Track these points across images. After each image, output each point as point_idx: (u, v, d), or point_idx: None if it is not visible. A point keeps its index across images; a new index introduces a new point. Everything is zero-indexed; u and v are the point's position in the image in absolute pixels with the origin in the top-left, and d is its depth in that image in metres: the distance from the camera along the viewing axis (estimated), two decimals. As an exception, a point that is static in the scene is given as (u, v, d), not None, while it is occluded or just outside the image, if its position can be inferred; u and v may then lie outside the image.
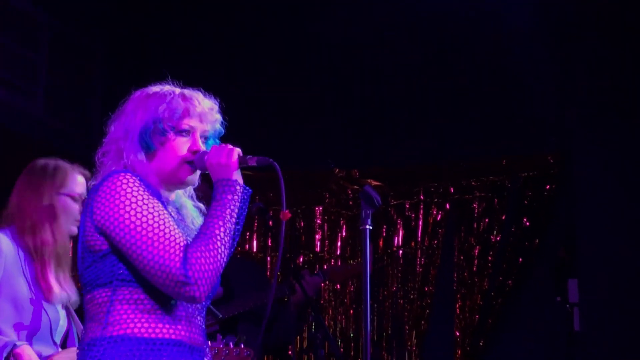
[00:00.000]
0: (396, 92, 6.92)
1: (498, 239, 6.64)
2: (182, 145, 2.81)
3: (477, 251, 6.69)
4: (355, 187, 6.98)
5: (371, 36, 6.89)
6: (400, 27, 6.84)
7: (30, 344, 3.59)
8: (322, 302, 6.98)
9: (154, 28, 7.07)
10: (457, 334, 6.64)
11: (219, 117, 2.90)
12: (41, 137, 6.47)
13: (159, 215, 2.64)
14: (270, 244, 7.11)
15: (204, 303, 2.77)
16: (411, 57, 6.87)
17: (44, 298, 3.67)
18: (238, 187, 2.74)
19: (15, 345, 3.48)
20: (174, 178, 2.82)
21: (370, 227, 3.13)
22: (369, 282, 3.23)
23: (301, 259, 7.07)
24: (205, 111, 2.85)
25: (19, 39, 6.30)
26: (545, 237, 6.58)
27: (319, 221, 7.09)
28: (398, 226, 6.92)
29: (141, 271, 2.62)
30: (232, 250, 2.70)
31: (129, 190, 2.65)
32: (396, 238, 6.92)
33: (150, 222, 2.61)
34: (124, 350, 2.63)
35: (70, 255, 3.86)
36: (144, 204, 2.64)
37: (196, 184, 2.90)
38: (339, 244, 7.08)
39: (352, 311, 6.96)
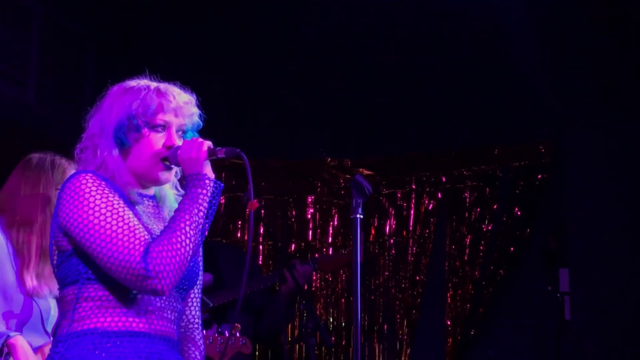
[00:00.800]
0: (388, 81, 6.91)
1: (489, 228, 6.65)
2: (157, 141, 2.80)
3: (468, 240, 6.70)
4: (347, 176, 6.97)
5: (364, 25, 6.88)
6: (393, 16, 6.82)
7: (21, 334, 3.58)
8: (313, 291, 6.98)
9: (145, 16, 7.03)
10: (449, 323, 6.65)
11: (196, 110, 2.88)
12: (32, 125, 6.45)
13: (118, 212, 2.63)
14: (261, 232, 7.11)
15: (172, 296, 2.76)
16: (404, 46, 6.86)
17: (33, 288, 3.66)
18: (207, 181, 2.72)
19: (8, 336, 3.47)
20: (148, 176, 2.82)
21: (361, 216, 3.13)
22: (360, 272, 3.23)
23: (293, 248, 7.07)
24: (180, 105, 2.83)
25: (9, 26, 6.26)
26: (537, 226, 6.60)
27: (310, 210, 7.08)
28: (390, 215, 6.93)
29: (103, 268, 2.61)
30: (200, 243, 2.68)
31: (87, 190, 2.64)
32: (388, 227, 6.93)
33: (109, 219, 2.61)
34: (86, 344, 2.64)
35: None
36: (102, 202, 2.63)
37: (170, 182, 2.89)
38: (331, 233, 7.08)
39: (343, 300, 6.97)
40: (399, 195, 6.96)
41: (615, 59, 6.32)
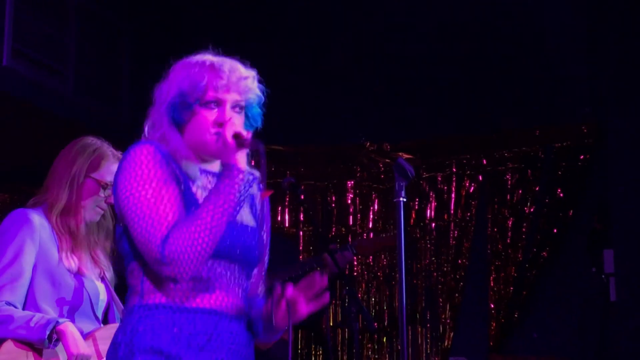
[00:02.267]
0: (427, 64, 6.87)
1: (532, 210, 6.60)
2: (210, 118, 2.75)
3: (510, 223, 6.65)
4: (387, 160, 6.94)
5: (399, 9, 6.84)
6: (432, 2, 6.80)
7: (73, 320, 3.60)
8: (355, 275, 6.97)
9: (182, 4, 7.04)
10: (492, 306, 6.61)
11: (254, 86, 2.81)
12: (71, 116, 6.49)
13: (160, 190, 2.62)
14: (302, 219, 7.11)
15: (238, 272, 2.74)
16: (442, 28, 6.82)
17: (79, 272, 3.68)
18: (236, 172, 2.67)
19: (57, 322, 3.48)
20: (205, 150, 2.77)
21: (404, 199, 3.09)
22: (404, 255, 3.20)
23: (333, 233, 7.06)
24: (233, 80, 2.77)
25: (48, 18, 6.30)
26: (580, 207, 6.53)
27: (350, 195, 7.07)
28: (430, 199, 6.89)
29: (132, 241, 2.65)
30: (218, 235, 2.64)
31: (143, 162, 2.64)
32: (429, 211, 6.89)
33: (149, 195, 2.61)
34: (159, 318, 2.64)
35: (104, 233, 3.87)
36: (148, 177, 2.63)
37: None
38: (371, 217, 7.06)
39: (385, 285, 6.95)
40: (440, 179, 6.92)
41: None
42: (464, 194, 6.83)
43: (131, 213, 2.61)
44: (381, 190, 7.03)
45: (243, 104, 2.80)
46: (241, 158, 2.69)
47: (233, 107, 2.77)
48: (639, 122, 6.28)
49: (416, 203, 6.90)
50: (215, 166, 2.84)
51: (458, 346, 6.72)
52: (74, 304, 3.64)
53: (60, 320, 3.50)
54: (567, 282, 6.50)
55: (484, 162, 6.80)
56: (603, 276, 6.29)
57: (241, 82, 2.78)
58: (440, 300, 6.78)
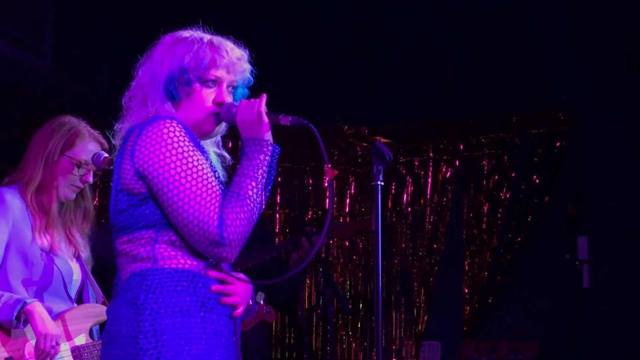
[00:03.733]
0: (404, 48, 6.87)
1: (507, 196, 6.62)
2: (208, 97, 2.78)
3: (486, 208, 6.68)
4: (364, 144, 6.95)
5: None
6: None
7: (42, 300, 3.58)
8: (330, 259, 6.98)
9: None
10: (466, 291, 6.64)
11: (248, 67, 2.87)
12: (48, 93, 6.45)
13: (202, 168, 2.63)
14: (278, 201, 7.11)
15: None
16: (419, 13, 6.81)
17: (51, 251, 3.66)
18: (270, 148, 2.73)
19: (25, 303, 3.47)
20: (199, 130, 2.79)
21: (382, 183, 3.10)
22: (380, 238, 3.21)
23: (309, 216, 7.06)
24: (233, 61, 2.81)
25: (25, -6, 6.25)
26: (555, 194, 6.56)
27: (327, 178, 7.07)
28: (407, 183, 6.91)
29: (176, 223, 2.62)
30: (261, 211, 2.71)
31: (175, 138, 2.63)
32: (405, 195, 6.91)
33: (195, 175, 2.61)
34: (180, 280, 2.65)
35: (79, 211, 3.85)
36: (188, 155, 2.62)
37: (220, 135, 2.89)
38: (348, 201, 7.07)
39: (360, 268, 6.97)
40: (416, 164, 6.93)
41: (636, 23, 6.25)
42: (440, 179, 6.85)
43: (178, 193, 2.59)
44: (358, 174, 7.04)
45: (236, 84, 2.83)
46: (269, 133, 2.74)
47: (227, 87, 2.80)
48: (614, 110, 6.32)
49: (392, 187, 6.91)
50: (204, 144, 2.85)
51: (432, 330, 6.76)
52: (44, 283, 3.62)
53: (28, 300, 3.48)
54: (541, 268, 6.53)
55: (461, 147, 6.82)
56: (577, 262, 6.34)
57: (238, 63, 2.83)
58: (415, 284, 6.80)
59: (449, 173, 6.84)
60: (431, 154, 6.91)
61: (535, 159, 6.59)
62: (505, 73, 6.67)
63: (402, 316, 6.83)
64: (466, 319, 6.61)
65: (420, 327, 6.76)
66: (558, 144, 6.55)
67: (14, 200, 3.65)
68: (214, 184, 2.63)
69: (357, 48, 6.97)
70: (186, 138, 2.64)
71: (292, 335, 7.01)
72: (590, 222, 6.34)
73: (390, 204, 6.89)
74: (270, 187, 2.74)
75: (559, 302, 6.39)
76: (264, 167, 2.70)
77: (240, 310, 2.77)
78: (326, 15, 6.92)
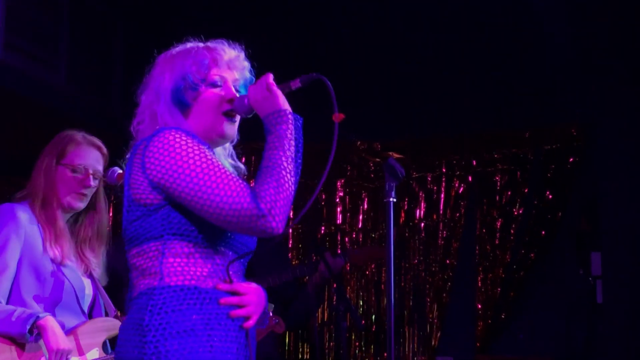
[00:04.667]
0: (418, 63, 6.88)
1: (520, 211, 6.62)
2: (215, 97, 2.78)
3: (499, 224, 6.67)
4: (377, 159, 6.92)
5: (393, 8, 6.84)
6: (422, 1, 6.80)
7: (54, 314, 3.59)
8: (343, 274, 6.97)
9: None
10: (479, 306, 6.63)
11: (247, 64, 2.87)
12: (63, 108, 6.47)
13: (215, 160, 2.62)
14: (291, 216, 7.09)
15: (275, 234, 2.65)
16: (433, 28, 6.82)
17: (61, 263, 3.66)
18: (290, 116, 2.71)
19: (38, 317, 3.47)
20: (213, 132, 2.78)
21: (394, 200, 3.10)
22: (392, 255, 3.21)
23: (322, 231, 7.06)
24: (232, 58, 2.82)
25: (39, 8, 6.28)
26: (568, 209, 6.55)
27: (340, 194, 7.07)
28: (420, 199, 6.90)
29: (210, 216, 2.57)
30: (297, 181, 2.67)
31: (182, 142, 2.61)
32: (418, 211, 6.91)
33: (211, 166, 2.58)
34: (185, 298, 2.61)
35: (92, 227, 3.85)
36: (199, 153, 2.60)
37: (235, 139, 2.87)
38: (361, 217, 7.06)
39: (373, 283, 6.96)
40: (429, 179, 6.93)
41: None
42: (453, 194, 6.85)
43: (200, 188, 2.56)
44: (371, 189, 7.04)
45: (238, 83, 2.84)
46: (286, 103, 2.72)
47: (232, 86, 2.81)
48: (627, 125, 6.31)
49: (405, 203, 6.90)
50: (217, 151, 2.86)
51: (445, 346, 6.74)
52: (57, 298, 3.63)
53: (41, 314, 3.49)
54: (554, 283, 6.51)
55: (474, 163, 6.82)
56: (590, 278, 6.32)
57: (238, 60, 2.84)
58: (428, 300, 6.79)
59: (461, 188, 6.84)
60: (444, 170, 6.91)
61: (548, 175, 6.59)
62: (518, 89, 6.67)
63: (415, 332, 6.82)
64: (479, 334, 6.59)
65: (433, 343, 6.74)
66: (571, 159, 6.55)
67: (24, 215, 3.66)
68: (228, 171, 2.61)
69: (370, 63, 6.98)
70: (193, 141, 2.63)
71: (306, 350, 7.00)
72: (603, 238, 6.33)
73: (402, 220, 6.88)
74: (300, 157, 2.70)
75: (572, 318, 6.38)
76: (290, 136, 2.67)
77: (252, 321, 2.72)
78: (338, 30, 6.94)
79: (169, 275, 2.62)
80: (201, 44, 2.84)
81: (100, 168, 3.79)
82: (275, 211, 2.55)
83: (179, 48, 2.86)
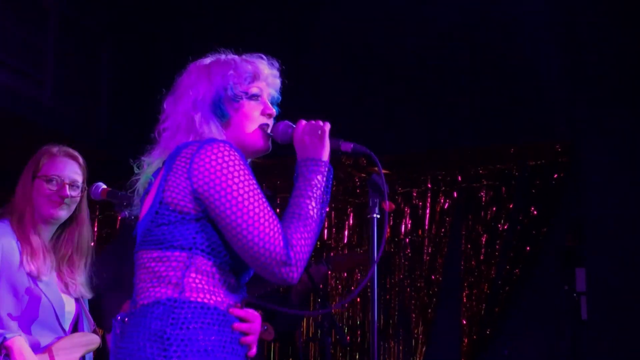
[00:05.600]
0: (404, 79, 6.90)
1: (505, 227, 6.63)
2: (255, 110, 2.76)
3: (484, 239, 6.68)
4: (363, 174, 6.96)
5: (380, 23, 6.87)
6: (408, 15, 6.82)
7: (29, 332, 3.53)
8: (329, 290, 6.97)
9: (162, 13, 7.04)
10: (464, 322, 6.63)
11: (279, 81, 2.87)
12: (49, 123, 6.47)
13: (260, 191, 2.59)
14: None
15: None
16: (419, 45, 6.85)
17: (38, 277, 3.62)
18: (328, 169, 2.72)
19: (5, 338, 3.42)
20: (251, 145, 2.76)
21: (378, 216, 3.10)
22: (377, 271, 3.21)
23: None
24: (270, 74, 2.83)
25: (26, 24, 6.28)
26: (553, 225, 6.57)
27: (326, 209, 7.06)
28: (405, 214, 6.91)
29: (240, 246, 2.55)
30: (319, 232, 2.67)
31: (234, 161, 2.57)
32: (403, 226, 6.91)
33: (256, 197, 2.55)
34: (206, 317, 2.57)
35: (72, 242, 3.82)
36: (247, 178, 2.57)
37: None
38: (346, 232, 7.07)
39: (359, 299, 6.96)
40: (415, 194, 6.95)
41: (632, 57, 6.29)
42: (438, 209, 6.86)
43: (242, 215, 2.53)
44: (356, 204, 7.05)
45: (271, 98, 2.83)
46: (327, 154, 2.74)
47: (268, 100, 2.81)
48: (612, 142, 6.34)
49: (391, 218, 6.91)
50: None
51: (430, 361, 6.75)
52: (33, 315, 3.56)
53: (8, 335, 3.41)
54: (539, 299, 6.53)
55: (459, 178, 6.84)
56: (575, 294, 6.33)
57: (275, 76, 2.84)
58: (413, 315, 6.79)
59: (447, 204, 6.86)
60: (429, 185, 6.92)
61: (533, 191, 6.61)
62: (504, 105, 6.69)
63: (400, 347, 6.82)
64: (464, 350, 6.60)
65: (418, 358, 6.74)
66: (556, 175, 6.57)
67: (4, 232, 3.63)
68: (270, 207, 2.59)
69: (356, 78, 7.00)
70: (242, 162, 2.60)
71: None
72: (588, 254, 6.35)
73: (388, 235, 6.89)
74: (326, 208, 2.70)
75: (557, 334, 6.39)
76: (323, 188, 2.68)
77: (254, 350, 2.71)
78: (324, 44, 6.96)
79: (190, 290, 2.57)
80: (237, 57, 2.82)
81: (78, 178, 3.75)
82: (300, 263, 2.55)
83: (214, 58, 2.83)
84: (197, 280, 2.58)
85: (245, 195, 2.54)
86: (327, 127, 2.76)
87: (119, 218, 6.90)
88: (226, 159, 2.56)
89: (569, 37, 6.48)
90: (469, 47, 6.75)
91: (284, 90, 2.87)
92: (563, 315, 6.38)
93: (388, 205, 2.82)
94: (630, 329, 6.10)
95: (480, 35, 6.71)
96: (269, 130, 2.77)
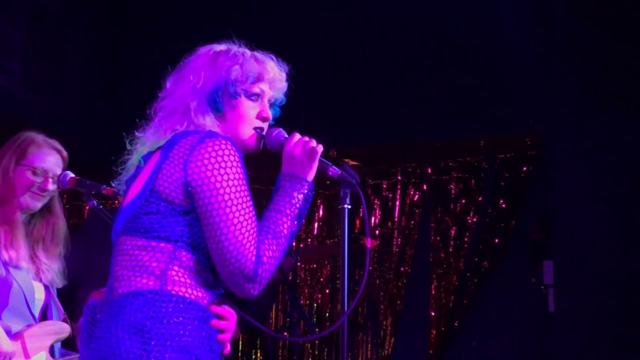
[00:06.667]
0: (375, 71, 6.91)
1: (474, 220, 6.66)
2: (251, 110, 2.75)
3: (453, 232, 6.71)
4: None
5: (348, 15, 6.86)
6: (378, 8, 6.82)
7: (0, 319, 3.53)
8: (298, 281, 6.98)
9: (132, 1, 7.00)
10: (433, 314, 6.66)
11: (285, 85, 2.85)
12: (18, 111, 6.42)
13: (249, 199, 2.57)
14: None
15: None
16: (390, 37, 6.86)
17: (16, 266, 3.60)
18: (308, 187, 2.72)
19: None
20: (241, 144, 2.72)
21: (349, 207, 3.10)
22: (347, 262, 3.21)
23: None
24: (277, 77, 2.80)
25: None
26: (522, 218, 6.61)
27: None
28: (375, 206, 6.93)
29: (213, 249, 2.54)
30: None
31: (233, 162, 2.55)
32: (373, 218, 6.92)
33: (244, 205, 2.54)
34: (187, 313, 2.54)
35: (47, 228, 3.80)
36: (241, 183, 2.56)
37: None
38: (316, 224, 7.07)
39: (327, 290, 6.97)
40: (385, 186, 6.96)
41: (602, 50, 6.33)
42: (408, 202, 6.88)
43: (225, 220, 2.52)
44: (326, 195, 7.05)
45: (272, 101, 2.82)
46: (313, 175, 2.73)
47: (267, 103, 2.79)
48: (581, 135, 6.38)
49: (360, 210, 6.91)
50: None
51: (398, 353, 6.76)
52: (3, 302, 3.55)
53: None
54: (507, 292, 6.56)
55: (429, 171, 6.86)
56: (542, 287, 6.37)
57: (281, 80, 2.83)
58: (382, 307, 6.81)
59: (416, 196, 6.87)
60: (399, 177, 6.94)
61: (502, 184, 6.64)
62: (474, 98, 6.71)
63: (369, 339, 6.83)
64: (432, 342, 6.62)
65: (386, 350, 6.76)
66: (525, 168, 6.61)
67: (-20, 218, 3.62)
68: (254, 217, 2.57)
69: (325, 70, 6.99)
70: (240, 163, 2.58)
71: (259, 357, 6.99)
72: (556, 247, 6.39)
73: (357, 227, 6.89)
74: (298, 228, 2.70)
75: (525, 326, 6.43)
76: (299, 207, 2.67)
77: (228, 348, 2.70)
78: (294, 38, 6.94)
79: (172, 284, 2.55)
80: (249, 53, 2.80)
81: (59, 172, 3.75)
82: (264, 281, 2.56)
83: (225, 47, 2.80)
84: (179, 274, 2.56)
85: (235, 201, 2.53)
86: (320, 149, 2.74)
87: (87, 207, 6.86)
88: (225, 158, 2.55)
89: (539, 30, 6.50)
90: (439, 41, 6.77)
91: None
92: (531, 307, 6.42)
93: (370, 242, 2.82)
94: (597, 321, 6.15)
95: (451, 29, 6.72)
96: (263, 133, 2.76)
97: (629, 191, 6.19)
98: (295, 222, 2.66)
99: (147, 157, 2.71)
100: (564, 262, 6.32)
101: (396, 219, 6.88)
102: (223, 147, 2.56)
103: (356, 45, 6.94)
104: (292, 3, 6.98)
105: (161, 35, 6.64)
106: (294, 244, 6.88)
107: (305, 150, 2.72)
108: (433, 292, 6.69)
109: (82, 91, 6.88)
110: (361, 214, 2.79)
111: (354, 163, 6.82)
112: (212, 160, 2.54)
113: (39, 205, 3.73)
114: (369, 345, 6.82)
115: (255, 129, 2.75)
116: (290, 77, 2.93)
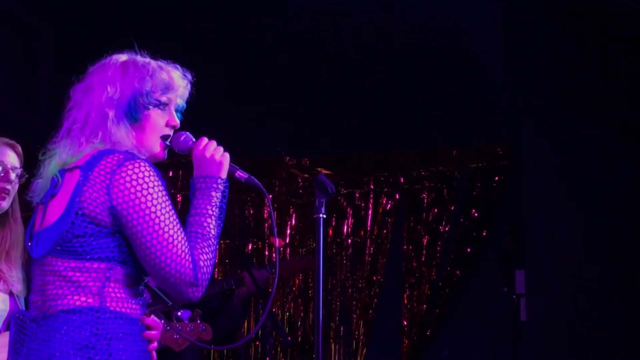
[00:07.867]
0: (347, 81, 6.89)
1: (447, 229, 6.67)
2: (160, 119, 2.82)
3: (425, 241, 6.71)
4: (305, 175, 6.95)
5: (320, 23, 6.85)
6: (350, 14, 6.81)
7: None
8: (270, 290, 6.94)
9: (102, 7, 6.94)
10: (405, 323, 6.65)
11: (188, 92, 2.91)
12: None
13: (173, 213, 2.67)
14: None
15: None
16: (362, 45, 6.85)
17: None
18: (224, 185, 2.80)
19: None
20: (149, 154, 2.81)
21: (324, 216, 3.10)
22: (321, 271, 3.20)
23: (250, 247, 7.02)
24: (184, 85, 2.88)
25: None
26: (493, 228, 6.62)
27: (268, 209, 7.05)
28: (348, 215, 6.91)
29: (150, 266, 2.65)
30: None
31: (153, 183, 2.65)
32: (345, 227, 6.91)
33: (170, 219, 2.65)
34: (126, 329, 2.67)
35: (10, 238, 3.74)
36: (164, 201, 2.66)
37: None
38: (288, 232, 7.05)
39: (300, 299, 6.94)
40: (357, 195, 6.95)
41: (575, 61, 6.35)
42: (380, 211, 6.87)
43: (155, 238, 2.62)
44: (299, 204, 7.03)
45: (177, 107, 2.89)
46: (225, 173, 2.82)
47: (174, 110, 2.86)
48: (553, 145, 6.40)
49: (333, 219, 6.91)
50: None
51: (371, 362, 6.75)
52: None
53: None
54: (479, 301, 6.57)
55: (402, 180, 6.86)
56: (514, 296, 6.38)
57: (187, 88, 2.90)
58: (354, 316, 6.80)
59: (389, 205, 6.87)
60: (372, 186, 6.93)
61: (474, 193, 6.65)
62: (446, 108, 6.72)
63: (342, 348, 6.81)
64: (404, 351, 6.62)
65: (359, 359, 6.74)
66: (497, 178, 6.62)
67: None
68: (181, 228, 2.68)
69: (298, 79, 6.97)
70: (160, 182, 2.67)
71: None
72: (527, 256, 6.40)
73: (330, 236, 6.88)
74: (222, 223, 2.79)
75: (497, 336, 6.43)
76: (218, 204, 2.77)
77: (154, 357, 2.83)
78: (268, 45, 6.92)
79: (110, 301, 2.66)
80: (155, 63, 2.86)
81: (18, 165, 3.70)
82: (204, 283, 2.68)
83: (130, 58, 2.86)
84: (116, 290, 2.67)
85: (162, 218, 2.63)
86: (227, 154, 2.84)
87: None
88: (146, 179, 2.64)
89: (512, 40, 6.52)
90: (412, 50, 6.76)
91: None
92: (503, 316, 6.43)
93: (278, 241, 2.97)
94: (568, 330, 6.16)
95: (423, 38, 6.72)
96: (168, 142, 2.84)
97: (599, 201, 6.22)
98: (219, 218, 2.77)
99: (63, 173, 2.77)
100: (535, 272, 6.33)
101: (368, 228, 6.87)
102: (143, 169, 2.65)
103: (329, 55, 6.92)
104: (266, 9, 6.95)
105: (136, 39, 6.59)
106: (266, 254, 6.87)
107: (215, 152, 2.82)
108: (405, 302, 6.68)
109: (52, 97, 6.82)
110: (275, 219, 2.83)
111: (327, 172, 6.81)
112: (134, 183, 2.63)
113: (4, 204, 3.66)
114: (342, 354, 6.80)
115: (162, 137, 2.84)
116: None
